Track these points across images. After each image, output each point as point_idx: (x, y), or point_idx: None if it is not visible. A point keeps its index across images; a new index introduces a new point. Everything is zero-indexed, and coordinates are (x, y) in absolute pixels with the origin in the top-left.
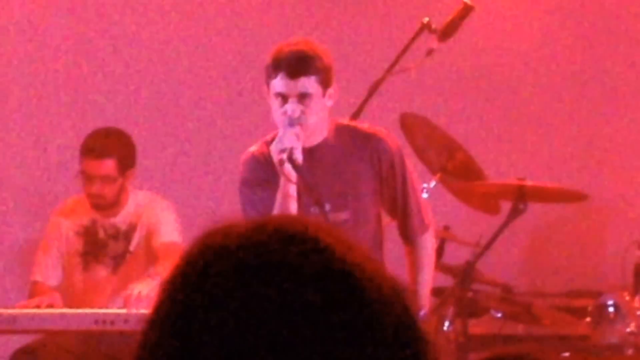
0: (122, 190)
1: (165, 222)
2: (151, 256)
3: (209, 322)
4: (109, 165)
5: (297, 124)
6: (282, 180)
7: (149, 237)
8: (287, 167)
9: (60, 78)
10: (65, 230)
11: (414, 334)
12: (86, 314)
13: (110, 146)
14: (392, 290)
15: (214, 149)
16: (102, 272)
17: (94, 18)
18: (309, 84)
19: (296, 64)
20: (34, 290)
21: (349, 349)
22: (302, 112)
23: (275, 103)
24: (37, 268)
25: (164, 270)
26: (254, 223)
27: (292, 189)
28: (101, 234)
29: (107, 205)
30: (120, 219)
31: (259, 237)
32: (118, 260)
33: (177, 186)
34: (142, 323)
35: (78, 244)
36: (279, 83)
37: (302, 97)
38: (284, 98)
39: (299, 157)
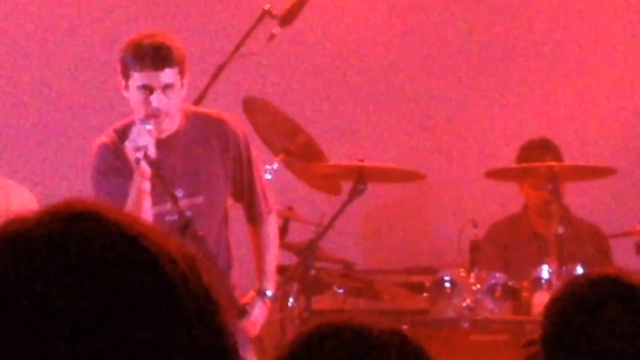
0: None
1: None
2: None
3: None
4: None
5: (158, 115)
6: (136, 177)
7: None
8: (142, 163)
9: None
10: None
11: (207, 299)
12: None
13: None
14: (184, 259)
15: (66, 131)
16: None
17: None
18: (171, 75)
19: (160, 56)
20: None
21: (140, 315)
22: (165, 104)
23: (137, 94)
24: None
25: None
26: (42, 211)
27: (146, 185)
28: None
29: None
30: None
31: (47, 221)
32: None
33: (31, 169)
34: None
35: None
36: (143, 75)
37: (166, 88)
38: (148, 89)
39: (152, 153)
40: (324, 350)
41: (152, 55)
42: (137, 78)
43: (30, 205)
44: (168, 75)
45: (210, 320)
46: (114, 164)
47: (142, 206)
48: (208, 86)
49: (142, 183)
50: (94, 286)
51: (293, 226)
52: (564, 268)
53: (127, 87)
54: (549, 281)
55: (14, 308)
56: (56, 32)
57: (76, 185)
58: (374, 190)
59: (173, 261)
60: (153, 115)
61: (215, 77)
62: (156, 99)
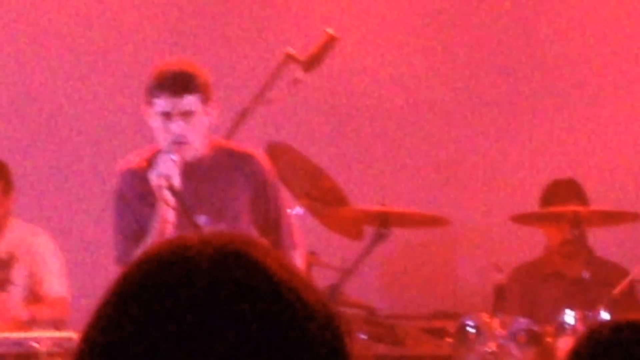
0: (5, 215)
1: (50, 271)
2: (33, 297)
3: (144, 338)
4: None
5: (181, 142)
6: (160, 205)
7: (33, 278)
8: (166, 192)
9: None
10: None
11: (340, 348)
12: None
13: None
14: (320, 304)
15: (90, 174)
16: None
17: None
18: (192, 101)
19: (179, 82)
20: None
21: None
22: (186, 130)
23: (158, 121)
24: None
25: (48, 319)
26: (198, 241)
27: (170, 214)
28: None
29: None
30: (1, 246)
31: (209, 256)
32: None
33: (53, 213)
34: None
35: None
36: (162, 102)
37: (186, 114)
38: (168, 116)
39: (176, 183)
40: None
41: (172, 82)
42: (157, 105)
43: (48, 247)
44: (188, 101)
45: None
46: (139, 190)
47: (165, 235)
48: (232, 131)
49: (166, 211)
50: (234, 328)
51: (315, 271)
52: (588, 313)
53: (149, 114)
54: (573, 326)
55: (164, 328)
56: (81, 74)
57: (96, 229)
58: (397, 235)
59: (312, 318)
60: (177, 142)
61: (238, 122)
62: (175, 126)
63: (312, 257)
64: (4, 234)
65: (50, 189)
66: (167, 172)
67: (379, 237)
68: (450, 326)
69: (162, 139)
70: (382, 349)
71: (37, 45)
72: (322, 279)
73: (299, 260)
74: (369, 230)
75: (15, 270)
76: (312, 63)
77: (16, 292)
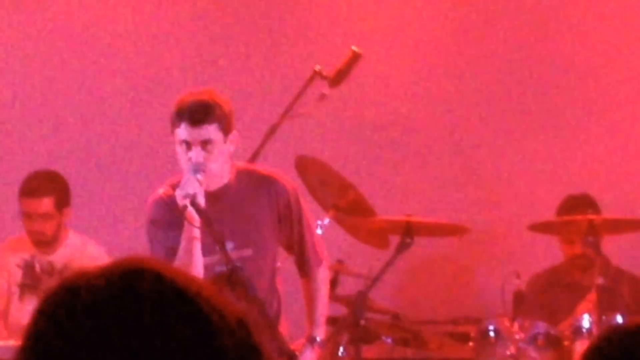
0: (59, 227)
1: None
2: None
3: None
4: (46, 204)
5: (201, 169)
6: (186, 224)
7: None
8: (191, 211)
9: None
10: (9, 263)
11: (253, 345)
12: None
13: (47, 186)
14: (236, 318)
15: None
16: (34, 302)
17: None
18: (210, 131)
19: (198, 112)
20: None
21: None
22: (205, 158)
23: (180, 149)
24: None
25: None
26: (105, 268)
27: (196, 232)
28: (37, 269)
29: (46, 242)
30: (56, 257)
31: (109, 276)
32: None
33: (109, 228)
34: None
35: (17, 276)
36: (183, 131)
37: (205, 143)
38: (188, 145)
39: (201, 201)
40: None
41: (190, 112)
42: (178, 133)
43: (101, 258)
44: (207, 130)
45: None
46: (167, 216)
47: (194, 253)
48: (262, 145)
49: (192, 230)
50: (147, 339)
51: (343, 279)
52: (604, 317)
53: (175, 141)
54: (589, 330)
55: (72, 354)
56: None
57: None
58: (421, 243)
59: (223, 319)
60: (196, 170)
61: (268, 136)
62: (194, 154)
63: (340, 265)
64: (59, 246)
65: (103, 203)
66: (191, 191)
67: (404, 246)
68: (472, 330)
69: (185, 166)
70: (407, 352)
71: (93, 63)
72: (349, 287)
73: (324, 273)
74: (394, 240)
75: None
76: (338, 79)
77: None
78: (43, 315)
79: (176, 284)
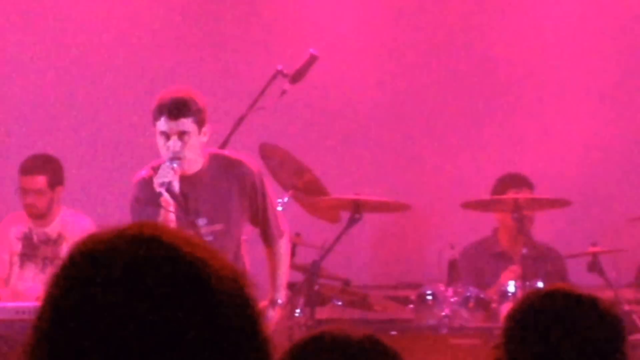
0: (52, 203)
1: None
2: None
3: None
4: (40, 181)
5: (177, 157)
6: (162, 209)
7: None
8: (166, 196)
9: None
10: (10, 235)
11: (252, 318)
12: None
13: (42, 166)
14: (233, 279)
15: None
16: (33, 269)
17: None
18: (187, 124)
19: (176, 107)
20: None
21: (194, 332)
22: (182, 147)
23: (160, 140)
24: None
25: None
26: (116, 232)
27: (171, 216)
28: (35, 239)
29: (38, 215)
30: (51, 229)
31: (118, 241)
32: (47, 262)
33: (99, 203)
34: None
35: (17, 246)
36: (162, 124)
37: (182, 134)
38: (167, 136)
39: (176, 187)
40: (310, 356)
41: (169, 107)
42: (159, 125)
43: (92, 228)
44: (183, 123)
45: (251, 327)
46: (148, 195)
47: None
48: (230, 134)
49: (167, 214)
50: (153, 299)
51: (300, 250)
52: (527, 283)
53: (155, 133)
54: (514, 294)
55: (92, 314)
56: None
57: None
58: (368, 218)
59: (220, 278)
60: (173, 158)
61: (236, 127)
62: (172, 144)
63: (297, 238)
64: (53, 219)
65: (93, 183)
66: (166, 179)
67: (353, 221)
68: (412, 294)
69: (163, 154)
70: (355, 314)
71: (86, 55)
72: (305, 256)
73: (285, 244)
74: (344, 215)
75: (63, 247)
76: (297, 77)
77: None
78: (64, 281)
79: (177, 249)
